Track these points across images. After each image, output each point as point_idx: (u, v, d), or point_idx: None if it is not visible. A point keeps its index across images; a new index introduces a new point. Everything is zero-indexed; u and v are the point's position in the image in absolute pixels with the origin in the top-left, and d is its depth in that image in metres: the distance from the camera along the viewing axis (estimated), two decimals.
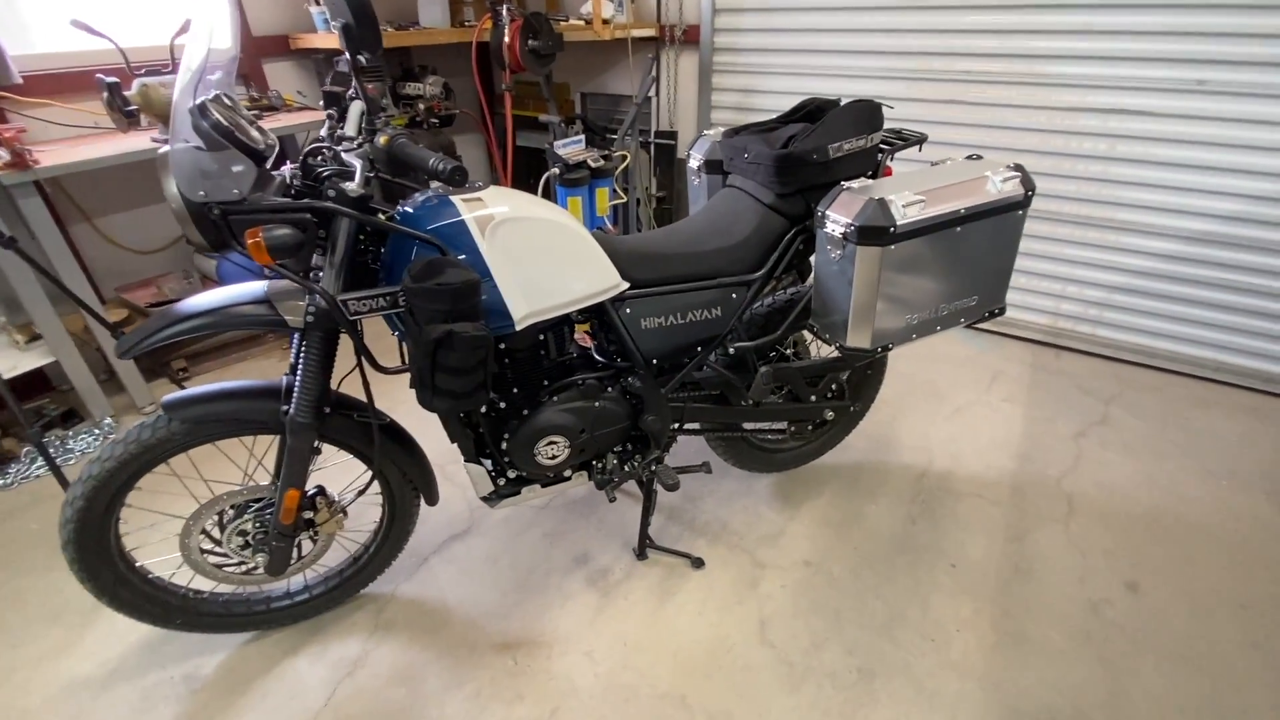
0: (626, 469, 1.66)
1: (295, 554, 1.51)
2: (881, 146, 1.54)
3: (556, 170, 2.98)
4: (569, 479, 1.64)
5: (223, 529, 1.42)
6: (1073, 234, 2.62)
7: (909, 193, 1.24)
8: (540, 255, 1.28)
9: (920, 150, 1.63)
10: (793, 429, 1.83)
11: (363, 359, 1.24)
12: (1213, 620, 1.63)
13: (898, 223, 1.22)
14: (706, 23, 3.14)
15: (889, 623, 1.63)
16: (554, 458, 1.51)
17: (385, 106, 1.31)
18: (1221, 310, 2.45)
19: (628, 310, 1.45)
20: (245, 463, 1.57)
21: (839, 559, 1.81)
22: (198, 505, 1.39)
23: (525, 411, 1.47)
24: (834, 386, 1.84)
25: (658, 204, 3.80)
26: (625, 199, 3.36)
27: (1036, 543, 1.85)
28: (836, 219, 1.28)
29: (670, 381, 1.57)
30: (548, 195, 3.22)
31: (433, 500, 1.62)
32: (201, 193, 1.04)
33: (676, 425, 1.70)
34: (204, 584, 1.54)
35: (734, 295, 1.50)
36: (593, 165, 3.04)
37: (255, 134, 1.12)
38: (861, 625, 1.62)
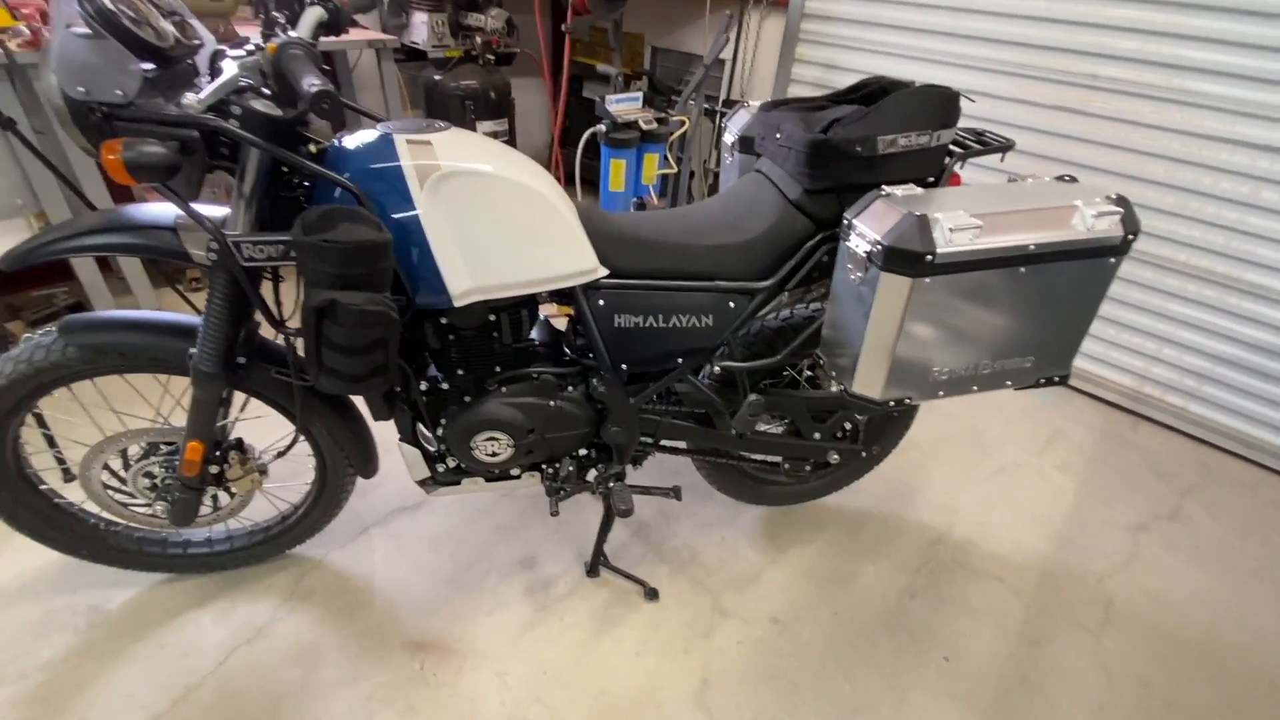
0: (583, 479, 1.45)
1: (210, 506, 1.39)
2: (952, 148, 1.23)
3: (603, 127, 2.73)
4: (518, 477, 1.45)
5: (128, 466, 1.30)
6: (1184, 288, 2.19)
7: (963, 213, 0.95)
8: (494, 222, 1.06)
9: (1003, 160, 1.31)
10: (788, 466, 1.57)
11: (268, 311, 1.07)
12: None
13: (939, 250, 0.93)
14: None
15: (852, 714, 1.38)
16: (494, 455, 1.32)
17: (335, 11, 1.10)
18: None
19: (601, 302, 1.22)
20: (160, 400, 1.44)
21: (813, 622, 1.56)
22: (101, 438, 1.27)
23: (467, 398, 1.28)
24: (846, 426, 1.56)
25: (715, 180, 3.50)
26: (676, 170, 3.08)
27: (1056, 651, 1.54)
28: (864, 232, 1.00)
29: (643, 392, 1.34)
30: (591, 153, 2.98)
31: (368, 473, 1.46)
32: (81, 88, 0.87)
33: (651, 440, 1.47)
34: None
35: (731, 304, 1.25)
36: (644, 127, 2.77)
37: (163, 28, 0.94)
38: (819, 711, 1.38)
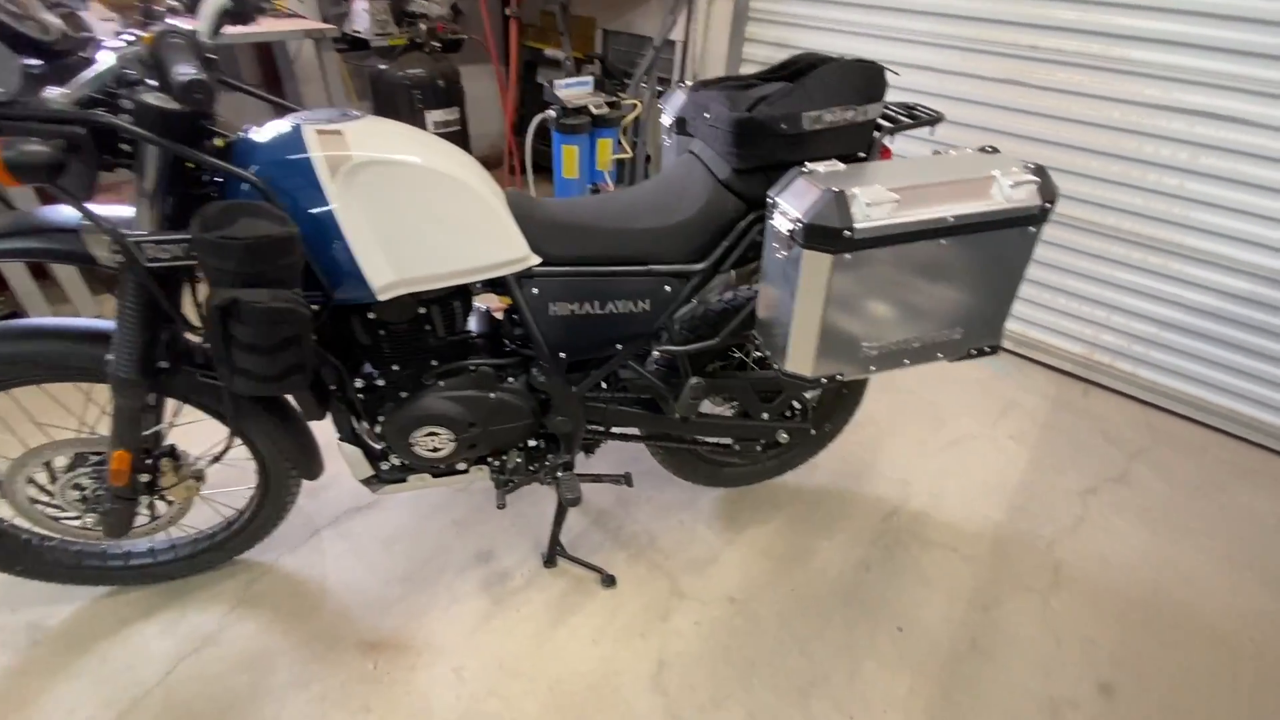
0: (531, 470, 1.44)
1: (148, 515, 1.35)
2: (880, 122, 1.23)
3: (553, 113, 2.69)
4: (465, 471, 1.44)
5: (55, 479, 1.26)
6: (1129, 255, 2.23)
7: (881, 187, 0.95)
8: (413, 212, 1.04)
9: (933, 133, 1.31)
10: (738, 448, 1.57)
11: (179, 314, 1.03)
12: None
13: (857, 225, 0.93)
14: None
15: (807, 687, 1.40)
16: (436, 450, 1.30)
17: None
18: None
19: (535, 291, 1.20)
20: (84, 410, 1.40)
21: (770, 600, 1.58)
22: (23, 450, 1.23)
23: (404, 394, 1.26)
24: (795, 405, 1.57)
25: None
26: (631, 154, 3.06)
27: (1006, 616, 1.58)
28: (786, 210, 0.99)
29: (585, 380, 1.33)
30: (543, 141, 2.92)
31: (311, 475, 1.43)
32: None
33: (600, 428, 1.47)
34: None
35: (667, 288, 1.24)
36: (595, 111, 2.74)
37: (48, 20, 0.89)
38: (774, 685, 1.40)
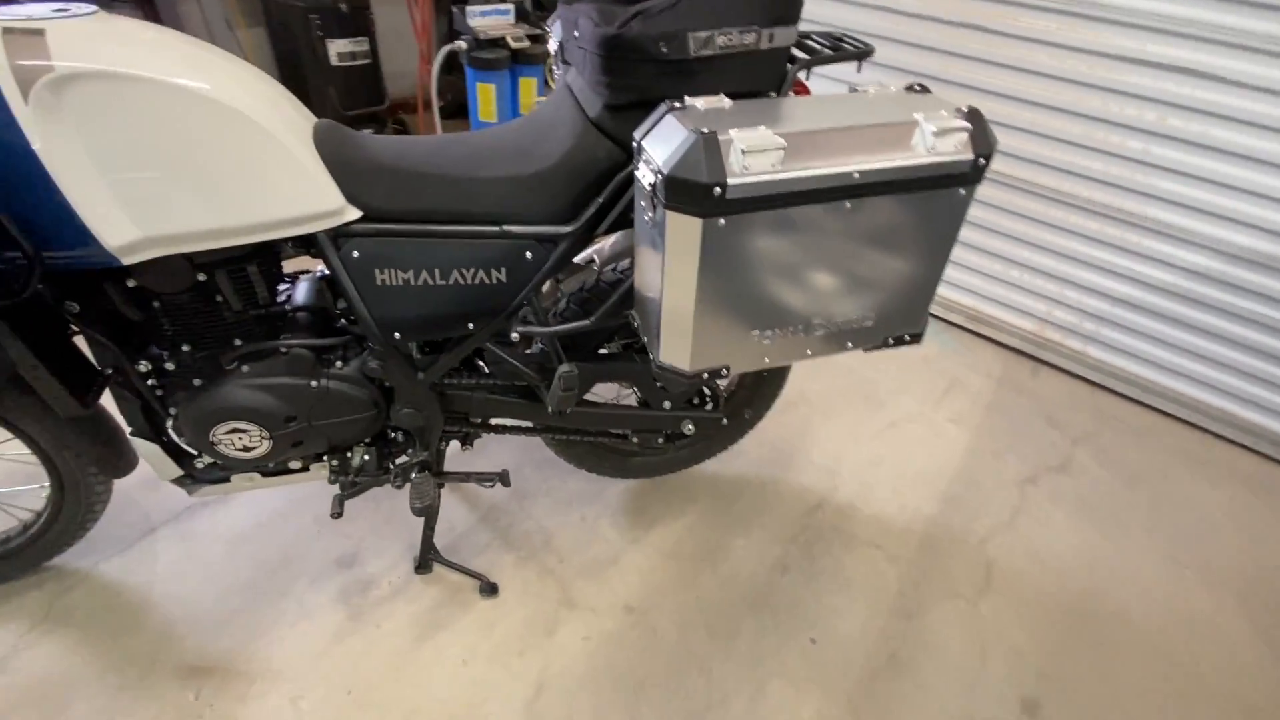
0: (383, 469, 1.22)
1: None
2: (796, 53, 0.99)
3: (463, 44, 2.37)
4: (303, 469, 1.21)
5: None
6: (1087, 225, 2.06)
7: (766, 130, 0.72)
8: (161, 150, 0.78)
9: (860, 70, 1.08)
10: (635, 440, 1.37)
11: None
12: None
13: (729, 181, 0.71)
14: None
15: (702, 712, 1.24)
16: (247, 449, 1.07)
17: None
18: (1247, 351, 1.93)
19: (355, 254, 0.96)
20: None
21: (671, 610, 1.40)
22: None
23: (197, 381, 1.01)
24: (704, 391, 1.37)
25: None
26: None
27: (929, 624, 1.43)
28: (649, 157, 0.76)
29: (433, 366, 1.09)
30: (455, 75, 2.55)
31: (119, 472, 1.20)
32: None
33: (476, 422, 1.24)
34: None
35: (528, 254, 1.00)
36: (513, 45, 2.42)
37: None
38: (665, 711, 1.23)
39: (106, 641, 1.25)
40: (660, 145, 0.75)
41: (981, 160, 0.79)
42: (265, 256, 0.97)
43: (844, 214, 0.78)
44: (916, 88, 0.89)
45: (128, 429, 1.08)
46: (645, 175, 0.77)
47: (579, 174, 0.97)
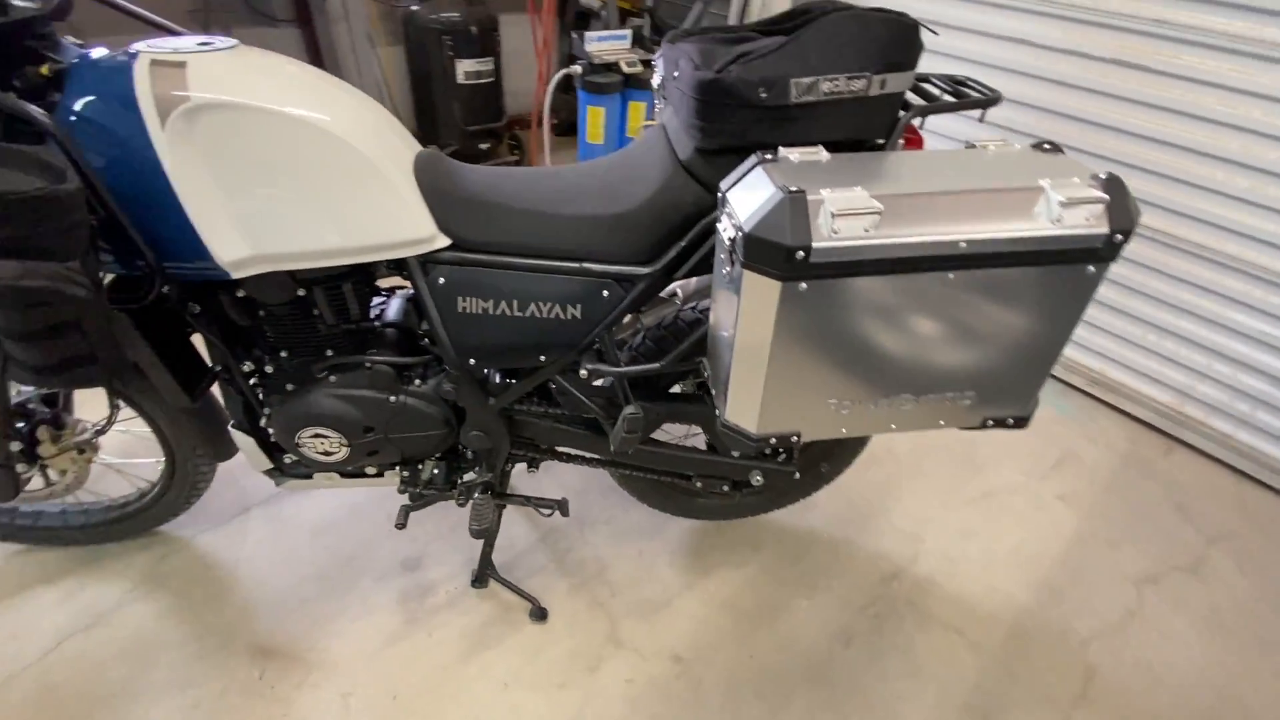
0: (452, 485, 1.25)
1: (43, 481, 1.25)
2: (911, 98, 0.92)
3: (578, 68, 2.43)
4: (378, 475, 1.26)
5: None
6: (1249, 292, 1.79)
7: (862, 192, 0.66)
8: (273, 176, 0.83)
9: (983, 119, 0.99)
10: (699, 485, 1.32)
11: None
12: None
13: (815, 245, 0.65)
14: None
15: None
16: (327, 454, 1.12)
17: None
18: None
19: (441, 280, 0.98)
20: None
21: (721, 665, 1.34)
22: None
23: (290, 386, 1.07)
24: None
25: None
26: None
27: None
28: (731, 210, 0.73)
29: (505, 392, 1.11)
30: (570, 95, 2.63)
31: (221, 456, 1.30)
32: None
33: (543, 449, 1.25)
34: None
35: (605, 293, 0.99)
36: (626, 70, 2.45)
37: None
38: None
39: (193, 610, 1.35)
40: (745, 200, 0.71)
41: (1118, 237, 0.69)
42: (360, 276, 1.01)
43: (945, 285, 0.71)
44: (1045, 146, 0.80)
45: (230, 421, 1.17)
46: (726, 229, 0.74)
47: (662, 217, 0.95)
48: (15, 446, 1.13)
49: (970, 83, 0.96)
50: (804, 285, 0.68)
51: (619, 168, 1.02)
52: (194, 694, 1.22)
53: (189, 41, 0.85)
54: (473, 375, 1.08)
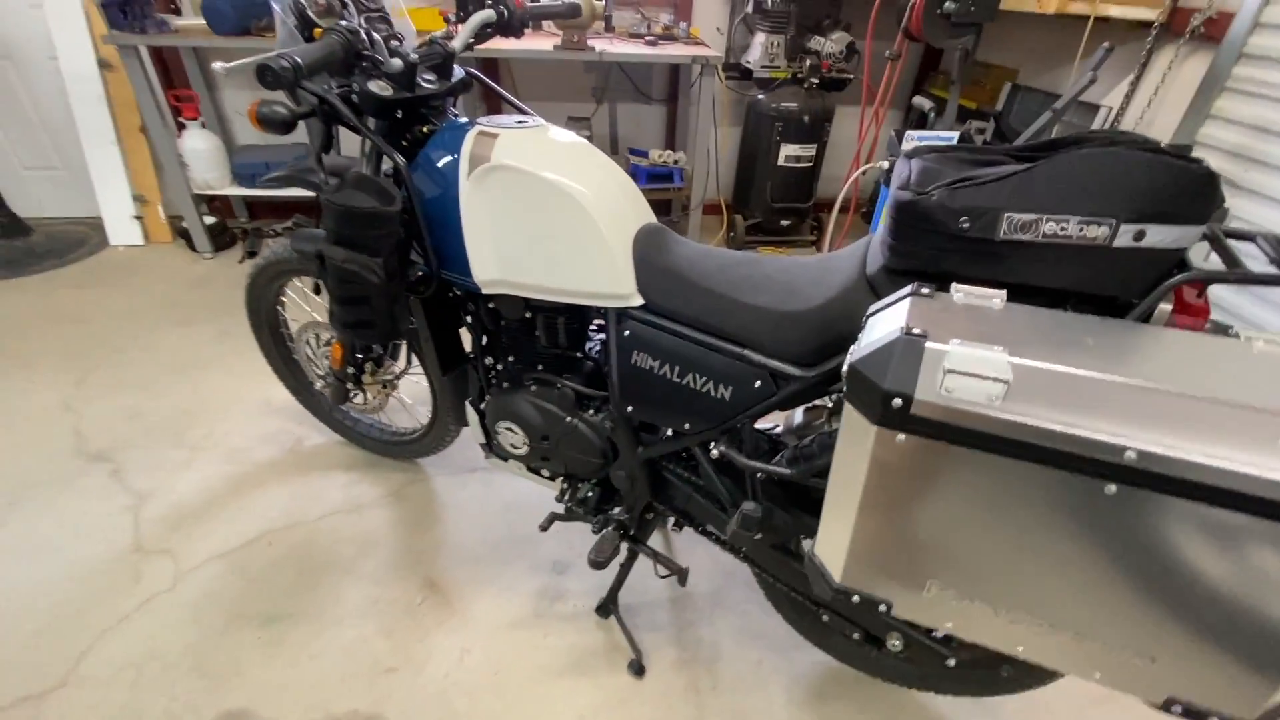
0: (599, 510, 1.36)
1: (362, 397, 1.75)
2: (1189, 261, 0.74)
3: (885, 164, 2.39)
4: (550, 477, 1.45)
5: (317, 347, 1.73)
6: None
7: (1001, 354, 0.56)
8: (526, 223, 1.07)
9: None
10: (826, 618, 1.19)
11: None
12: None
13: (917, 396, 0.58)
14: (1249, 11, 1.94)
15: None
16: (514, 446, 1.34)
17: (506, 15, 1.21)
18: None
19: (626, 332, 1.11)
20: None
21: None
22: (310, 320, 1.71)
23: (505, 384, 1.32)
24: None
25: None
26: None
27: None
28: (861, 336, 0.68)
29: (653, 445, 1.18)
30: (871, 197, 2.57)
31: (461, 422, 1.64)
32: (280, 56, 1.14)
33: (678, 509, 1.29)
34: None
35: (757, 384, 0.99)
36: None
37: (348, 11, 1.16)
38: None
39: (408, 529, 1.72)
40: (874, 328, 0.66)
41: None
42: (574, 313, 1.20)
43: (1103, 500, 0.55)
44: None
45: (469, 398, 1.48)
46: (850, 353, 0.70)
47: (830, 325, 0.92)
48: (350, 370, 1.61)
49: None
50: (901, 437, 0.60)
51: (814, 268, 1.02)
52: (378, 592, 1.55)
53: (511, 120, 1.14)
54: (628, 421, 1.18)
